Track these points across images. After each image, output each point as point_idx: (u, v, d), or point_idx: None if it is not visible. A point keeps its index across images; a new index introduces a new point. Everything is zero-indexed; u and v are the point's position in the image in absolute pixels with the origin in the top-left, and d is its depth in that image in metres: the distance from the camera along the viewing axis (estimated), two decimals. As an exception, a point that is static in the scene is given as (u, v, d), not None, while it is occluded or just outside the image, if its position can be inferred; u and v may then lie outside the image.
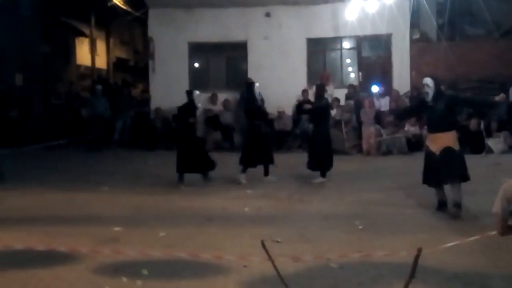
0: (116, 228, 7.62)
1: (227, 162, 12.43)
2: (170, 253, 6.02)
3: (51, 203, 9.53)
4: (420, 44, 19.24)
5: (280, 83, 17.75)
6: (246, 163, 11.43)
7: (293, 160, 13.90)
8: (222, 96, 18.20)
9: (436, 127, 8.24)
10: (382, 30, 17.86)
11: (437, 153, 8.08)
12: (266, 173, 11.56)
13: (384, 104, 17.32)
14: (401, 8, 18.09)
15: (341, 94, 17.42)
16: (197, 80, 18.91)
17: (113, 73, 29.48)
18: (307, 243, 6.85)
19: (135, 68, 31.09)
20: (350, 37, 19.05)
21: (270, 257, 5.08)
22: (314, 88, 11.87)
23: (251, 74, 18.16)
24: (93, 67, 27.73)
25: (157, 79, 19.08)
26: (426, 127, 9.36)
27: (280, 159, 12.38)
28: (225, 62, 19.56)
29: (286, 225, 7.82)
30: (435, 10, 19.72)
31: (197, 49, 19.32)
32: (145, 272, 5.69)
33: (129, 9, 22.53)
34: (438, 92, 8.36)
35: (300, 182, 11.43)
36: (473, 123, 15.32)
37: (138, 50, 32.30)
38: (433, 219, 8.05)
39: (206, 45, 19.18)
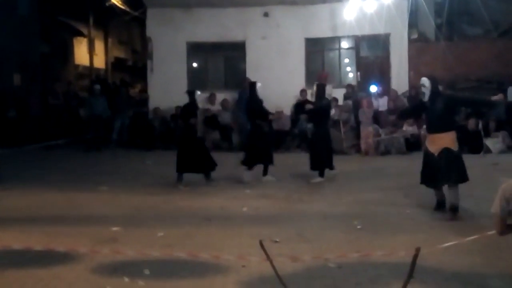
0: (115, 228, 7.62)
1: (226, 162, 12.43)
2: (169, 253, 6.03)
3: (49, 203, 9.53)
4: (418, 44, 19.25)
5: (279, 83, 17.76)
6: (250, 163, 11.45)
7: (292, 160, 13.93)
8: (220, 96, 18.19)
9: (435, 128, 8.24)
10: (380, 30, 17.88)
11: (436, 154, 8.09)
12: (265, 173, 11.57)
13: (382, 104, 17.33)
14: (399, 8, 18.11)
15: (339, 94, 17.42)
16: (196, 80, 18.90)
17: (111, 73, 29.49)
18: (305, 243, 6.86)
19: (133, 68, 31.11)
20: (348, 37, 19.06)
21: (268, 257, 5.09)
22: (314, 87, 11.86)
23: (249, 74, 18.15)
24: (91, 67, 27.73)
25: (155, 79, 19.07)
26: (424, 127, 9.37)
27: (279, 159, 12.38)
28: (223, 62, 19.55)
29: (285, 225, 7.83)
30: (433, 10, 19.72)
31: (195, 49, 19.31)
32: (146, 272, 5.70)
33: (127, 9, 22.52)
34: (435, 93, 8.36)
35: (298, 182, 11.44)
36: (471, 123, 15.34)
37: (136, 50, 32.31)
38: (431, 219, 8.06)
39: (205, 45, 19.18)
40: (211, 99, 18.09)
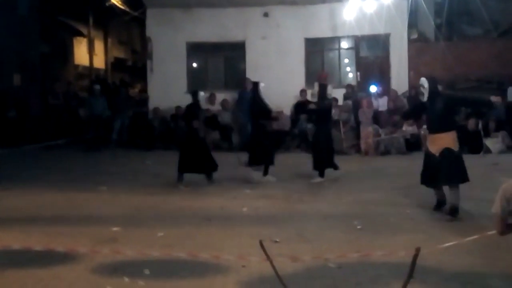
0: (115, 228, 7.62)
1: (226, 162, 12.41)
2: (168, 253, 6.02)
3: (49, 203, 9.52)
4: (418, 44, 19.25)
5: (278, 83, 17.74)
6: (255, 163, 11.46)
7: (292, 160, 13.93)
8: (220, 96, 18.19)
9: (435, 128, 8.24)
10: (380, 30, 17.88)
11: (437, 154, 8.09)
12: (266, 173, 11.56)
13: (382, 104, 17.33)
14: (399, 8, 18.11)
15: (339, 94, 17.40)
16: (195, 80, 18.90)
17: (111, 73, 29.49)
18: (305, 243, 6.86)
19: (133, 68, 31.10)
20: (348, 37, 19.06)
21: (268, 257, 5.09)
22: (315, 87, 11.86)
23: (249, 74, 18.16)
24: (91, 67, 27.73)
25: (155, 79, 19.06)
26: (425, 127, 9.37)
27: (279, 159, 12.37)
28: (223, 62, 19.55)
29: (285, 225, 7.83)
30: (433, 10, 19.73)
31: (195, 49, 19.31)
32: (147, 272, 5.70)
33: (127, 9, 22.52)
34: (434, 92, 8.36)
35: (298, 182, 11.43)
36: (471, 123, 15.34)
37: (136, 50, 32.30)
38: (431, 219, 8.07)
39: (204, 45, 19.18)
40: (211, 99, 18.08)
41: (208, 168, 11.23)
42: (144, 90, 20.90)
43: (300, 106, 17.57)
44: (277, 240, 6.86)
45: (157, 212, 8.88)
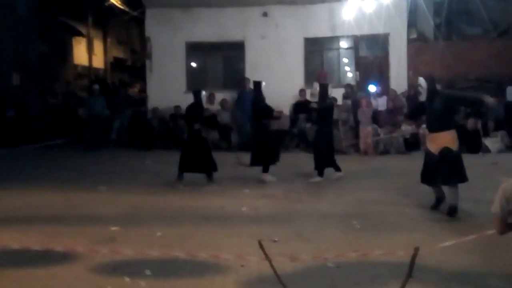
0: (114, 228, 7.61)
1: (225, 161, 12.41)
2: (167, 253, 6.02)
3: (48, 203, 9.51)
4: (417, 44, 19.26)
5: (278, 82, 17.70)
6: (258, 163, 11.46)
7: (291, 160, 13.91)
8: (219, 96, 18.18)
9: (435, 127, 8.25)
10: (379, 29, 17.86)
11: (436, 153, 8.10)
12: (265, 170, 11.53)
13: (381, 103, 17.32)
14: (398, 7, 18.10)
15: (338, 93, 17.37)
16: (194, 79, 18.89)
17: (110, 73, 29.50)
18: (304, 243, 6.86)
19: (132, 67, 31.12)
20: (347, 36, 19.05)
21: (267, 257, 5.09)
22: (314, 86, 11.87)
23: (248, 74, 18.18)
24: (90, 66, 27.74)
25: (154, 78, 19.05)
26: (424, 126, 9.38)
27: (278, 158, 12.38)
28: (222, 61, 19.54)
29: (284, 224, 7.83)
30: (432, 10, 19.75)
31: (194, 49, 19.30)
32: (148, 272, 5.69)
33: (126, 9, 22.53)
34: (433, 92, 8.37)
35: (297, 182, 11.43)
36: (470, 123, 15.34)
37: (135, 50, 32.31)
38: (430, 218, 8.07)
39: (203, 45, 19.16)
40: (210, 99, 18.04)
41: (208, 168, 11.22)
42: (143, 90, 20.90)
43: (300, 106, 17.59)
44: (276, 239, 6.86)
45: (156, 211, 8.88)
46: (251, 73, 17.74)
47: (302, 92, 17.75)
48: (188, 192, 10.48)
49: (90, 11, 26.79)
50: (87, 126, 17.48)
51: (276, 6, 18.79)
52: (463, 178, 8.10)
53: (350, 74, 19.41)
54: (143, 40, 21.18)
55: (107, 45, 29.60)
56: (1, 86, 18.65)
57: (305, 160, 12.72)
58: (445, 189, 8.23)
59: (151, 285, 5.44)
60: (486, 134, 15.74)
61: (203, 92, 11.69)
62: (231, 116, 18.03)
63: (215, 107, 17.99)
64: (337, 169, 11.58)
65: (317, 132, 11.76)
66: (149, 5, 19.20)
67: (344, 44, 19.36)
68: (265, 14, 18.86)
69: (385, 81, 18.47)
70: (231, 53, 19.41)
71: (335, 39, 19.20)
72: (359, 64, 19.11)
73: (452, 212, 7.91)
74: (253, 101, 12.07)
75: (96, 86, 18.32)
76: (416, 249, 4.57)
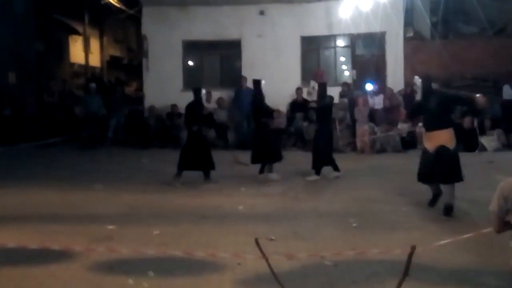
0: (110, 226, 7.61)
1: (222, 160, 12.40)
2: (164, 251, 6.01)
3: (45, 201, 9.50)
4: (414, 42, 19.27)
5: (274, 81, 17.68)
6: (258, 161, 11.45)
7: (288, 158, 13.88)
8: (216, 94, 18.18)
9: (431, 125, 8.26)
10: (376, 28, 17.86)
11: (431, 150, 8.10)
12: (262, 171, 11.54)
13: (378, 102, 17.33)
14: (395, 6, 18.11)
15: (335, 92, 17.35)
16: (191, 78, 18.88)
17: (107, 71, 29.44)
18: (301, 241, 6.87)
19: (129, 66, 31.05)
20: (344, 35, 19.06)
21: (264, 255, 5.08)
22: (311, 84, 11.90)
23: (245, 72, 18.18)
24: (86, 65, 27.68)
25: (151, 77, 19.04)
26: (420, 124, 9.38)
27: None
28: (219, 60, 19.54)
29: (280, 223, 7.83)
30: (428, 8, 19.76)
31: (191, 47, 19.29)
32: (146, 271, 5.68)
33: (123, 7, 22.45)
34: (428, 91, 8.38)
35: (294, 180, 11.43)
36: (466, 121, 15.36)
37: (132, 48, 32.25)
38: (427, 216, 8.08)
39: (200, 43, 19.15)
40: (206, 97, 18.07)
41: (206, 166, 11.21)
42: (139, 88, 20.87)
43: (297, 105, 17.60)
44: (273, 238, 6.87)
45: (153, 210, 8.88)
46: (248, 72, 17.74)
47: (299, 90, 17.77)
48: (185, 190, 10.48)
49: (87, 10, 26.73)
50: (83, 125, 17.45)
51: (273, 4, 18.79)
52: (458, 178, 8.11)
53: (346, 73, 19.42)
54: (140, 39, 21.16)
55: (103, 44, 29.53)
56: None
57: (302, 159, 12.73)
58: (442, 187, 8.24)
59: (148, 284, 5.43)
60: (483, 132, 15.75)
61: (203, 90, 11.66)
62: (228, 115, 18.03)
63: (212, 105, 18.01)
64: (336, 168, 11.58)
65: (317, 131, 11.76)
66: (145, 3, 19.18)
67: (340, 42, 19.36)
68: (261, 13, 18.85)
69: (381, 80, 18.47)
70: (228, 52, 19.40)
71: (332, 37, 19.20)
72: (356, 62, 19.11)
73: (448, 211, 7.92)
74: (253, 100, 12.06)
75: (93, 85, 18.30)
76: (413, 248, 4.57)
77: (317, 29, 18.84)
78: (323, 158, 11.42)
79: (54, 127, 17.91)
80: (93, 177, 11.87)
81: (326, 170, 11.55)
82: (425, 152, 8.33)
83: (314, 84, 17.62)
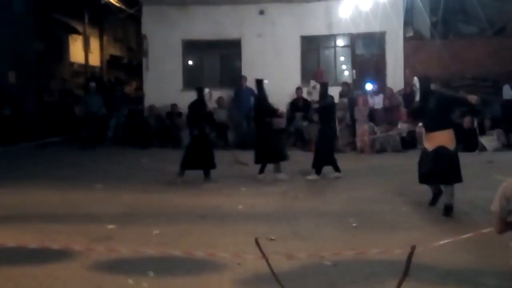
0: (110, 226, 7.61)
1: (221, 160, 12.40)
2: (164, 251, 6.01)
3: (44, 201, 9.50)
4: (413, 42, 19.26)
5: (274, 80, 17.69)
6: (261, 161, 11.45)
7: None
8: (216, 94, 18.15)
9: (431, 126, 8.25)
10: (375, 28, 17.86)
11: (430, 150, 8.09)
12: (278, 169, 11.52)
13: (378, 102, 17.33)
14: (394, 6, 18.11)
15: (335, 92, 17.35)
16: (191, 77, 18.88)
17: (107, 71, 29.41)
18: (301, 241, 6.86)
19: (128, 65, 31.02)
20: (344, 35, 19.06)
21: (264, 255, 5.08)
22: (311, 84, 11.90)
23: (245, 72, 18.18)
24: (86, 64, 27.65)
25: (150, 76, 19.03)
26: (420, 125, 9.37)
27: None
28: (219, 59, 19.53)
29: (280, 222, 7.83)
30: (428, 8, 19.74)
31: (191, 47, 19.29)
32: (145, 271, 5.68)
33: (123, 7, 22.42)
34: (427, 92, 8.38)
35: (294, 180, 11.42)
36: (466, 121, 15.35)
37: (131, 48, 32.22)
38: (426, 216, 8.08)
39: (200, 43, 19.15)
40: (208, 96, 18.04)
41: (208, 165, 11.21)
42: (139, 87, 20.87)
43: (296, 104, 17.59)
44: (273, 238, 6.87)
45: (153, 210, 8.87)
46: (248, 71, 17.76)
47: (298, 90, 17.76)
48: (185, 190, 10.47)
49: (86, 9, 26.69)
50: (83, 124, 17.44)
51: (273, 4, 18.78)
52: (457, 179, 8.10)
53: (346, 72, 19.42)
54: (140, 38, 21.16)
55: (103, 43, 29.49)
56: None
57: (301, 159, 12.73)
58: (441, 187, 8.24)
59: (148, 283, 5.43)
60: (483, 132, 15.75)
61: (206, 90, 11.66)
62: (228, 114, 18.02)
63: (211, 105, 17.99)
64: (336, 169, 11.57)
65: (320, 131, 11.73)
66: (145, 2, 19.18)
67: (340, 42, 19.36)
68: (261, 12, 18.85)
69: (381, 79, 18.48)
70: (228, 51, 19.39)
71: (332, 37, 19.21)
72: (356, 62, 19.12)
73: (448, 211, 7.93)
74: (256, 100, 12.04)
75: (93, 84, 18.30)
76: (413, 247, 4.57)
77: (317, 29, 18.84)
78: (324, 158, 11.42)
79: (54, 126, 17.89)
80: (93, 176, 11.87)
81: (326, 170, 11.55)
82: (424, 152, 8.33)
83: (314, 84, 17.63)
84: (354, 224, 7.62)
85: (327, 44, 19.42)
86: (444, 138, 8.08)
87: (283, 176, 11.40)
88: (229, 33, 18.88)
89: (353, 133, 16.26)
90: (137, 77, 23.36)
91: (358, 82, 18.60)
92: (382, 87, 18.05)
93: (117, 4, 22.32)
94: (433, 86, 8.67)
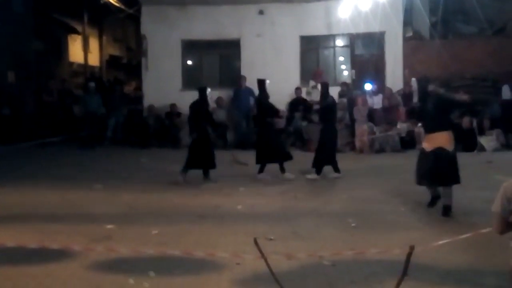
0: (109, 226, 7.61)
1: (221, 160, 12.40)
2: (163, 251, 6.01)
3: (44, 201, 9.50)
4: (413, 42, 19.26)
5: (273, 80, 17.66)
6: (263, 161, 11.44)
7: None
8: (215, 94, 18.15)
9: (430, 127, 8.27)
10: (375, 28, 17.85)
11: (429, 150, 8.09)
12: (283, 169, 11.51)
13: (377, 102, 17.33)
14: (394, 6, 18.10)
15: (334, 92, 17.33)
16: (190, 77, 18.87)
17: (106, 71, 29.42)
18: (300, 241, 6.87)
19: (128, 65, 31.02)
20: (343, 35, 19.05)
21: (263, 255, 5.08)
22: (310, 84, 11.90)
23: (244, 72, 18.18)
24: (85, 64, 27.65)
25: (150, 76, 19.02)
26: (419, 125, 9.37)
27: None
28: (218, 59, 19.52)
29: (279, 222, 7.83)
30: (428, 8, 19.74)
31: (190, 47, 19.28)
32: (146, 271, 5.68)
33: (122, 7, 22.43)
34: (425, 93, 8.38)
35: (294, 180, 11.40)
36: (465, 121, 15.36)
37: (131, 48, 32.23)
38: (425, 216, 8.09)
39: (199, 43, 19.14)
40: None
41: (208, 165, 11.21)
42: (139, 87, 20.85)
43: (296, 104, 17.59)
44: (272, 238, 6.87)
45: (152, 209, 8.87)
46: (247, 71, 17.76)
47: (298, 90, 17.75)
48: (184, 190, 10.47)
49: (86, 9, 26.71)
50: (82, 124, 17.44)
51: (272, 4, 18.78)
52: (455, 180, 8.10)
53: (346, 72, 19.42)
54: (139, 38, 21.15)
55: (102, 43, 29.51)
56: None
57: (301, 158, 12.71)
58: (440, 188, 8.24)
59: (148, 283, 5.43)
60: (482, 132, 15.76)
61: (208, 89, 11.67)
62: (227, 114, 18.02)
63: (210, 105, 17.98)
64: (336, 169, 11.57)
65: (322, 131, 11.73)
66: (145, 2, 19.17)
67: (340, 42, 19.36)
68: (261, 12, 18.84)
69: (381, 80, 18.47)
70: (227, 51, 19.39)
71: (331, 37, 19.20)
72: (355, 62, 19.11)
73: (447, 211, 7.93)
74: (257, 100, 12.04)
75: (92, 84, 18.30)
76: (412, 247, 4.57)
77: (316, 29, 18.83)
78: (325, 157, 11.42)
79: (53, 126, 17.89)
80: (92, 176, 11.87)
81: (326, 170, 11.56)
82: (422, 153, 8.33)
83: (313, 84, 17.63)
84: (353, 224, 7.63)
85: (327, 44, 19.41)
86: (443, 139, 8.09)
87: (290, 176, 11.39)
88: (229, 33, 18.87)
89: (352, 133, 16.27)
90: (136, 77, 23.35)
91: (357, 82, 18.59)
92: (381, 87, 18.04)
93: (117, 4, 22.33)
94: (431, 87, 8.66)
